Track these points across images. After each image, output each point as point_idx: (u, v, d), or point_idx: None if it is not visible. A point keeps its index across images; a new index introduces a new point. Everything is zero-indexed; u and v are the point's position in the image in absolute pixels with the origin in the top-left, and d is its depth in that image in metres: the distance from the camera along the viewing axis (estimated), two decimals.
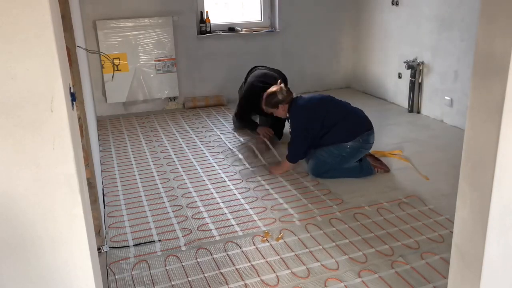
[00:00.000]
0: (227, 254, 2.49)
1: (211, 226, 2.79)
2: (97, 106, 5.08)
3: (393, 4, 5.08)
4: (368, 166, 3.42)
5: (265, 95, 3.55)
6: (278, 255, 2.47)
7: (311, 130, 3.35)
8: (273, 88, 3.52)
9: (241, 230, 2.73)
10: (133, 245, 2.60)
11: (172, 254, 2.51)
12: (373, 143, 3.43)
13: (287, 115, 3.51)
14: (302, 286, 2.22)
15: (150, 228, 2.78)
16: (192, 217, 2.90)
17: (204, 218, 2.89)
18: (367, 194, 3.15)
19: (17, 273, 1.26)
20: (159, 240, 2.65)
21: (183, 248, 2.57)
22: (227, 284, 2.25)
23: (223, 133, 4.50)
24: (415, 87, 4.85)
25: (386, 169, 3.50)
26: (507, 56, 1.26)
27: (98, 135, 4.44)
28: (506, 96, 1.28)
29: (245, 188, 3.29)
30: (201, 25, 5.31)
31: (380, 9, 5.33)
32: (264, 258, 2.45)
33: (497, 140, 1.32)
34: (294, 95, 3.55)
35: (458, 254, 1.55)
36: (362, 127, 3.37)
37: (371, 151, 3.54)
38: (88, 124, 2.58)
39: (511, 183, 1.38)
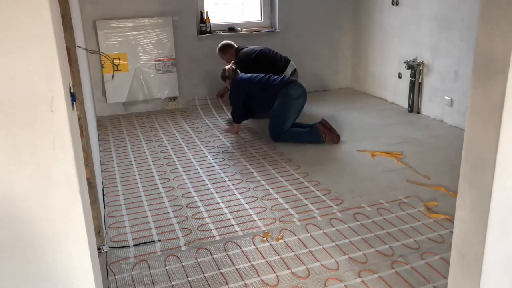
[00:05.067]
0: (227, 254, 2.49)
1: (211, 226, 2.79)
2: (97, 106, 5.08)
3: (393, 4, 5.08)
4: (316, 133, 4.04)
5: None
6: (278, 255, 2.47)
7: (241, 101, 4.29)
8: (226, 66, 4.50)
9: (241, 230, 2.73)
10: (133, 245, 2.60)
11: (172, 254, 2.51)
12: (297, 94, 4.12)
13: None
14: (302, 286, 2.22)
15: (150, 228, 2.78)
16: (192, 217, 2.90)
17: (204, 218, 2.89)
18: (367, 194, 3.15)
19: (17, 273, 1.26)
20: (159, 240, 2.65)
21: (183, 248, 2.57)
22: (227, 284, 2.25)
23: (222, 133, 4.50)
24: (415, 87, 4.85)
25: (335, 140, 4.05)
26: (507, 56, 1.26)
27: (98, 135, 4.44)
28: (506, 96, 1.29)
29: (245, 188, 3.29)
30: (201, 25, 5.31)
31: (380, 9, 5.33)
32: (264, 258, 2.45)
33: (497, 140, 1.32)
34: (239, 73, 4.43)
35: (458, 254, 1.55)
36: (277, 89, 4.12)
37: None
38: (88, 124, 2.58)
39: (511, 183, 1.38)
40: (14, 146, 1.16)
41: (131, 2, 4.92)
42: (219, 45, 4.98)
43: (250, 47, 4.99)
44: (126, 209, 3.03)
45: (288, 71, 4.91)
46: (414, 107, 4.91)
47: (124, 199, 3.17)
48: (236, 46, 4.98)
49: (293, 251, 2.50)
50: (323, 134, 4.05)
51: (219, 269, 2.37)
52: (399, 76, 5.13)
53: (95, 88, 4.99)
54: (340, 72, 6.03)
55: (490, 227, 1.40)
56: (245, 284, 2.25)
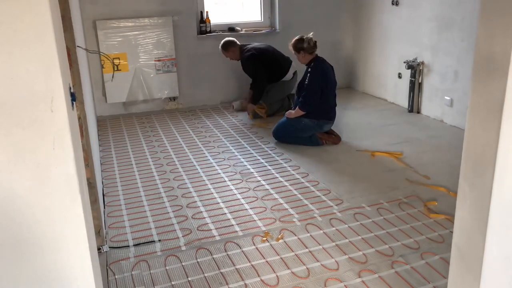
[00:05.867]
0: (227, 254, 2.49)
1: (211, 226, 2.79)
2: (97, 106, 5.08)
3: (393, 4, 5.08)
4: (316, 139, 4.06)
5: (296, 37, 4.08)
6: (278, 255, 2.47)
7: (322, 89, 3.96)
8: (303, 36, 4.05)
9: (241, 230, 2.73)
10: (133, 245, 2.60)
11: (172, 254, 2.51)
12: (325, 129, 4.11)
13: (307, 66, 4.07)
14: (302, 286, 2.22)
15: (150, 228, 2.78)
16: (192, 217, 2.90)
17: (204, 218, 2.89)
18: (367, 194, 3.15)
19: (17, 273, 1.26)
20: (159, 240, 2.65)
21: (183, 248, 2.57)
22: (227, 284, 2.25)
23: (222, 132, 4.51)
24: (415, 87, 4.85)
25: (335, 141, 4.08)
26: (507, 56, 1.26)
27: (98, 135, 4.44)
28: (506, 96, 1.28)
29: (245, 188, 3.29)
30: (201, 25, 5.31)
31: (380, 9, 5.33)
32: (264, 258, 2.45)
33: (497, 140, 1.32)
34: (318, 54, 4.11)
35: (458, 254, 1.55)
36: (325, 115, 4.05)
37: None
38: (88, 124, 2.58)
39: (511, 183, 1.38)
40: (14, 146, 1.16)
41: (131, 2, 4.92)
42: (222, 42, 4.92)
43: (253, 45, 4.94)
44: (126, 209, 3.03)
45: (290, 73, 4.92)
46: (414, 107, 4.91)
47: (124, 199, 3.17)
48: (239, 43, 4.94)
49: (293, 251, 2.50)
50: (323, 140, 4.07)
51: (219, 269, 2.37)
52: (399, 76, 5.13)
53: (95, 88, 4.99)
54: (340, 72, 6.01)
55: (490, 227, 1.40)
56: (245, 284, 2.25)
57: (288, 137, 4.13)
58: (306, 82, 3.99)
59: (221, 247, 2.56)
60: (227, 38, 4.95)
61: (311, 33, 4.09)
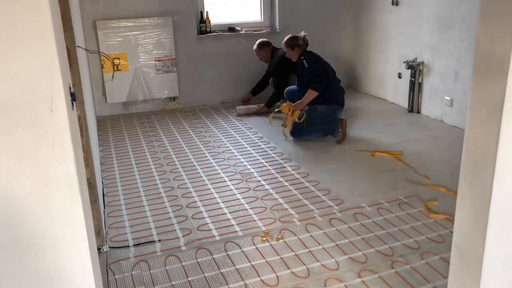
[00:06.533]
0: (227, 254, 2.49)
1: (211, 226, 2.79)
2: (97, 106, 5.08)
3: (393, 4, 5.08)
4: (336, 124, 4.14)
5: (289, 36, 4.31)
6: (278, 255, 2.47)
7: (324, 72, 4.17)
8: (297, 34, 4.28)
9: (241, 230, 2.73)
10: (133, 245, 2.60)
11: (172, 254, 2.51)
12: (338, 117, 4.22)
13: (298, 60, 4.29)
14: (302, 286, 2.22)
15: (150, 228, 2.78)
16: (192, 217, 2.90)
17: (204, 218, 2.89)
18: (367, 194, 3.15)
19: (17, 273, 1.26)
20: (159, 240, 2.65)
21: (183, 248, 2.57)
22: (227, 284, 2.25)
23: (222, 133, 4.51)
24: (415, 87, 4.85)
25: (342, 138, 4.13)
26: (507, 56, 1.26)
27: (98, 135, 4.44)
28: (506, 96, 1.28)
29: (245, 188, 3.29)
30: (201, 25, 5.31)
31: (380, 9, 5.33)
32: (264, 258, 2.45)
33: (497, 140, 1.32)
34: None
35: (458, 254, 1.55)
36: (337, 100, 4.24)
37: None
38: (88, 124, 2.58)
39: (511, 183, 1.38)
40: (14, 146, 1.16)
41: (131, 2, 4.92)
42: (258, 41, 4.99)
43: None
44: (126, 209, 3.03)
45: None
46: (414, 107, 4.91)
47: (124, 199, 3.17)
48: (273, 45, 5.01)
49: (293, 251, 2.50)
50: (340, 129, 4.14)
51: (219, 269, 2.37)
52: (399, 76, 5.13)
53: (95, 88, 4.99)
54: (340, 72, 6.00)
55: (490, 227, 1.40)
56: (245, 284, 2.25)
57: (306, 132, 4.16)
58: (306, 67, 4.19)
59: (221, 247, 2.56)
60: (263, 39, 5.07)
61: (304, 32, 4.29)
